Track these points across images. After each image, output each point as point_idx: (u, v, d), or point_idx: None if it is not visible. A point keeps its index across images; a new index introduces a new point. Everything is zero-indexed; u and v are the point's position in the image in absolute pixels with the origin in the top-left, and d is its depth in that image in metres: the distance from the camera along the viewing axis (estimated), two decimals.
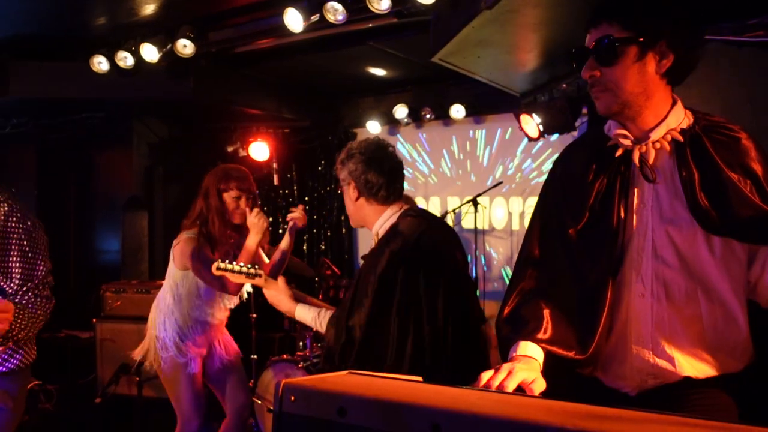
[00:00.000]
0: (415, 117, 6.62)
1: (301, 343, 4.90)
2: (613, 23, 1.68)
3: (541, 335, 1.70)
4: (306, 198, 7.58)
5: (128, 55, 5.17)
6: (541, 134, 4.89)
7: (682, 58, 1.69)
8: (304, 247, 7.50)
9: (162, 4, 4.57)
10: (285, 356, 4.59)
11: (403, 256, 2.39)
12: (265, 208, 3.75)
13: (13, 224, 2.40)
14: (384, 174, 2.55)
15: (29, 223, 2.45)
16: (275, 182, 6.92)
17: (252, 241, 3.48)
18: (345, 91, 7.09)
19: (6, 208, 2.41)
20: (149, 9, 4.67)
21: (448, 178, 6.96)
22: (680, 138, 1.70)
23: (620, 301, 1.74)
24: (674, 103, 1.75)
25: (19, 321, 2.32)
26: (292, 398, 1.22)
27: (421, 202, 6.88)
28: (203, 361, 3.66)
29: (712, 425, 1.08)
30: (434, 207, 6.97)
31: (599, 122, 1.90)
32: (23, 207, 2.48)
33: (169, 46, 4.96)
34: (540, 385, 1.54)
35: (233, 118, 6.92)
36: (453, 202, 6.81)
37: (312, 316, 2.72)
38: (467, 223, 6.22)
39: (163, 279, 3.74)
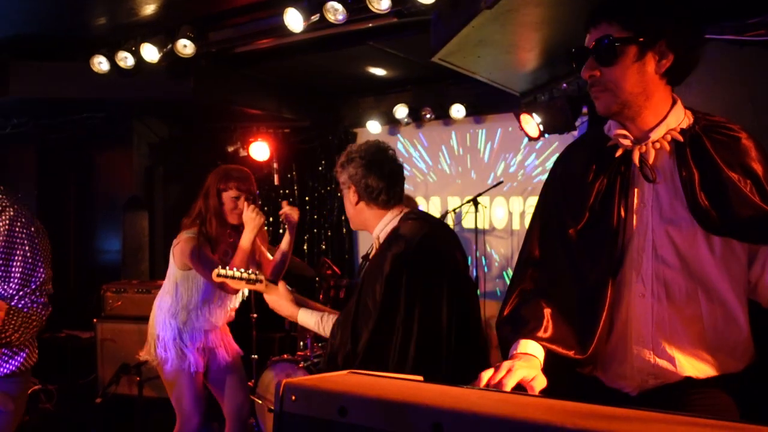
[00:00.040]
0: (416, 117, 6.62)
1: (301, 343, 4.90)
2: (612, 23, 1.68)
3: (541, 333, 1.70)
4: (306, 198, 7.58)
5: (128, 55, 5.17)
6: (542, 134, 4.89)
7: (682, 57, 1.69)
8: (305, 247, 7.50)
9: (162, 4, 4.57)
10: (286, 356, 4.60)
11: (405, 259, 2.38)
12: (266, 208, 3.75)
13: (18, 229, 2.41)
14: (384, 178, 2.54)
15: (33, 228, 2.45)
16: (276, 182, 6.92)
17: (246, 239, 3.48)
18: (345, 91, 7.09)
19: (12, 213, 2.42)
20: (149, 9, 4.67)
21: (448, 178, 6.96)
22: (680, 138, 1.70)
23: (620, 301, 1.74)
24: (674, 103, 1.75)
25: (12, 322, 2.32)
26: (293, 398, 1.22)
27: (421, 202, 6.88)
28: (203, 361, 3.66)
29: (713, 424, 1.08)
30: (434, 207, 6.97)
31: (599, 122, 1.90)
32: (28, 212, 2.49)
33: (169, 46, 4.97)
34: (540, 383, 1.54)
35: (233, 118, 6.92)
36: (453, 202, 6.81)
37: (315, 320, 2.72)
38: (468, 222, 6.22)
39: (164, 279, 3.74)
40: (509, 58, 4.05)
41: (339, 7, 4.14)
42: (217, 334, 3.72)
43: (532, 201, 6.24)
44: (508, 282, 5.69)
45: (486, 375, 1.54)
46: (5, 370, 2.45)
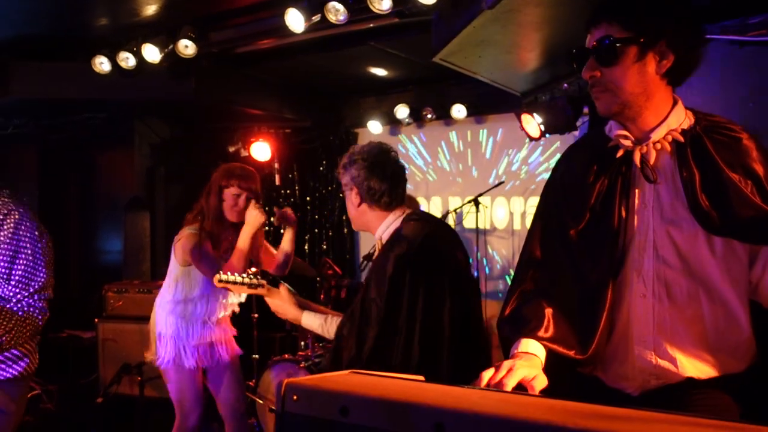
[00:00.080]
0: (417, 117, 6.61)
1: (302, 343, 4.90)
2: (613, 23, 1.68)
3: (542, 333, 1.70)
4: (307, 198, 7.58)
5: (130, 55, 5.18)
6: (543, 134, 4.89)
7: (683, 58, 1.69)
8: (306, 247, 7.50)
9: (163, 4, 4.57)
10: (286, 356, 4.60)
11: (408, 259, 2.39)
12: (267, 209, 3.75)
13: (22, 232, 2.42)
14: (387, 180, 2.55)
15: (37, 233, 2.46)
16: (277, 182, 6.93)
17: (243, 238, 3.47)
18: (346, 91, 7.09)
19: (17, 216, 2.43)
20: (151, 9, 4.67)
21: (449, 178, 6.96)
22: (681, 138, 1.70)
23: (621, 302, 1.74)
24: (675, 103, 1.75)
25: (3, 324, 2.32)
26: (295, 398, 1.22)
27: (422, 202, 6.88)
28: (204, 358, 3.66)
29: (715, 424, 1.08)
30: (435, 207, 6.97)
31: (600, 122, 1.90)
32: (33, 216, 2.49)
33: (170, 47, 4.97)
34: (541, 382, 1.54)
35: (235, 118, 6.92)
36: (454, 202, 6.81)
37: (319, 323, 2.73)
38: (468, 222, 6.22)
39: (165, 279, 3.74)
40: (510, 58, 4.05)
41: (340, 7, 4.14)
42: (218, 330, 3.71)
43: (533, 201, 6.24)
44: (509, 282, 5.69)
45: (487, 375, 1.54)
46: (8, 374, 2.47)
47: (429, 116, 6.53)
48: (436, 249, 2.47)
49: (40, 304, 2.45)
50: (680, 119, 1.73)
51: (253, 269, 3.97)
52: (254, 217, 3.49)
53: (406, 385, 1.31)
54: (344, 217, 7.36)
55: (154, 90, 5.69)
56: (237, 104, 6.30)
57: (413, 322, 2.35)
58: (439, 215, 6.47)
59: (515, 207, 6.54)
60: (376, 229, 2.61)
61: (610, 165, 1.77)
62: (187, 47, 4.89)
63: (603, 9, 1.72)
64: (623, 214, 1.73)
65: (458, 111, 6.35)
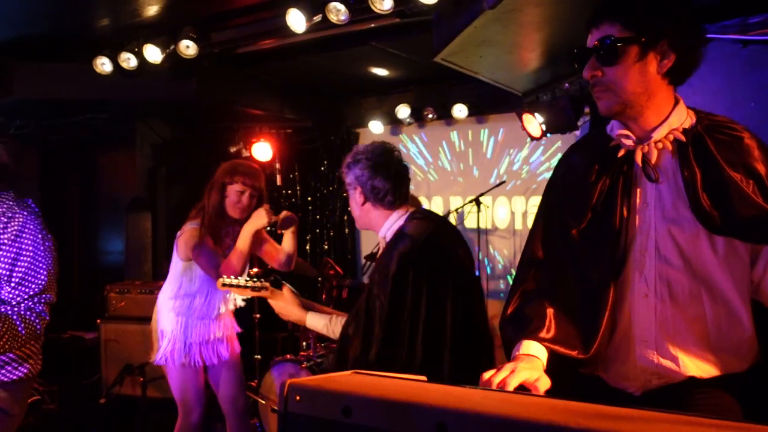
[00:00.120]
0: (418, 117, 6.62)
1: (304, 343, 4.90)
2: (614, 23, 1.68)
3: (544, 334, 1.70)
4: (309, 198, 7.58)
5: (131, 56, 5.18)
6: (544, 133, 4.89)
7: (684, 57, 1.69)
8: (307, 248, 7.51)
9: (165, 5, 4.58)
10: (288, 356, 4.60)
11: (412, 257, 2.40)
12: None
13: (24, 235, 2.42)
14: (390, 179, 2.56)
15: (40, 237, 2.46)
16: (278, 183, 6.93)
17: (244, 238, 3.45)
18: (347, 92, 7.09)
19: (21, 219, 2.43)
20: (152, 10, 4.67)
21: (451, 178, 6.96)
22: (682, 138, 1.70)
23: (623, 301, 1.74)
24: (676, 102, 1.75)
25: None
26: (297, 398, 1.22)
27: (423, 202, 6.87)
28: (205, 355, 3.65)
29: (717, 424, 1.08)
30: (437, 206, 6.97)
31: (601, 122, 1.90)
32: (38, 220, 2.49)
33: (171, 47, 4.97)
34: (544, 384, 1.54)
35: (236, 118, 6.92)
36: (455, 202, 6.81)
37: (324, 323, 2.74)
38: (470, 222, 6.22)
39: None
40: (511, 58, 4.05)
41: (341, 7, 4.14)
42: (220, 326, 3.71)
43: (535, 201, 6.24)
44: (510, 282, 5.69)
45: (488, 376, 1.54)
46: (14, 376, 2.47)
47: (430, 116, 6.53)
48: (439, 247, 2.48)
49: (40, 308, 2.44)
50: (682, 118, 1.73)
51: (255, 270, 3.98)
52: (260, 218, 3.47)
53: (408, 386, 1.31)
54: (346, 218, 7.37)
55: (155, 90, 5.69)
56: (238, 104, 6.30)
57: (416, 320, 2.36)
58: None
59: (516, 207, 6.54)
60: (379, 227, 2.63)
61: (611, 164, 1.77)
62: (188, 47, 4.90)
63: (604, 9, 1.72)
64: (625, 213, 1.73)
65: (459, 111, 6.35)
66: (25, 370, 2.51)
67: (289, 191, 7.62)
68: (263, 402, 4.54)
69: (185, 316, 3.59)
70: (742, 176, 1.63)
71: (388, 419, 1.12)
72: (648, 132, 1.74)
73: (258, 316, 4.91)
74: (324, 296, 5.20)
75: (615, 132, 1.80)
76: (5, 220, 2.41)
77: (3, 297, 2.38)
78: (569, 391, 1.65)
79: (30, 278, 2.41)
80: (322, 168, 7.50)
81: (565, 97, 4.50)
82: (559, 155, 1.99)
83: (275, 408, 4.31)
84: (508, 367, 1.56)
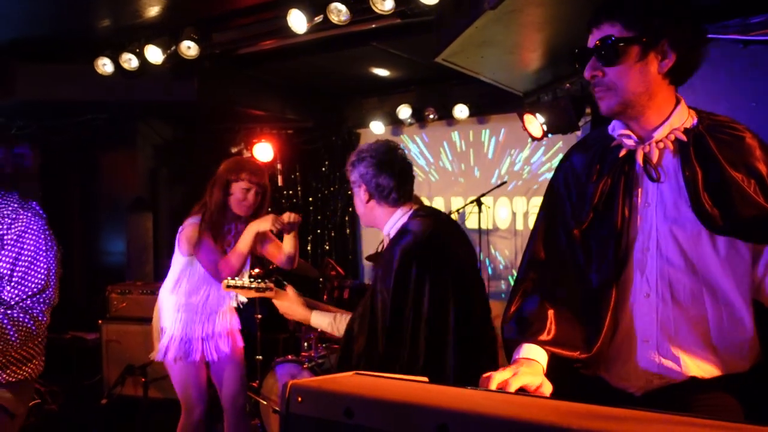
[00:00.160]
0: (419, 117, 6.62)
1: (305, 344, 4.91)
2: (615, 23, 1.68)
3: (544, 337, 1.70)
4: (310, 198, 7.59)
5: (132, 56, 5.19)
6: (545, 134, 4.89)
7: (685, 57, 1.69)
8: (308, 248, 7.51)
9: (166, 5, 4.58)
10: (290, 357, 4.60)
11: (414, 253, 2.42)
12: (269, 209, 3.74)
13: (26, 236, 2.42)
14: (395, 177, 2.58)
15: (42, 238, 2.46)
16: (279, 183, 6.94)
17: (246, 239, 3.44)
18: (348, 92, 7.10)
19: (25, 220, 2.43)
20: (153, 11, 4.68)
21: (452, 179, 6.96)
22: (684, 137, 1.70)
23: (625, 301, 1.74)
24: (677, 102, 1.75)
25: None
26: (299, 399, 1.22)
27: (424, 203, 6.87)
28: (207, 351, 3.65)
29: (718, 425, 1.08)
30: (438, 207, 6.95)
31: (602, 122, 1.90)
32: (41, 222, 2.49)
33: (173, 48, 4.98)
34: (546, 390, 1.55)
35: (237, 119, 6.93)
36: (457, 202, 6.81)
37: (328, 321, 2.77)
38: (471, 223, 6.22)
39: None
40: (512, 58, 4.06)
41: (342, 8, 4.14)
42: (222, 322, 3.70)
43: (536, 201, 6.25)
44: (511, 283, 5.69)
45: (489, 378, 1.54)
46: (17, 377, 2.47)
47: (431, 116, 6.54)
48: (441, 244, 2.50)
49: (38, 307, 2.43)
50: (683, 118, 1.73)
51: (256, 270, 3.98)
52: (265, 222, 3.45)
53: (409, 387, 1.31)
54: (347, 218, 7.37)
55: (156, 91, 5.70)
56: (239, 105, 6.31)
57: (419, 316, 2.38)
58: None
59: (518, 207, 6.54)
60: (383, 225, 2.65)
61: (613, 164, 1.77)
62: (189, 48, 4.91)
63: (605, 9, 1.72)
64: (626, 213, 1.73)
65: (460, 111, 6.35)
66: (30, 370, 2.52)
67: (290, 192, 7.62)
68: (265, 403, 4.54)
69: (186, 312, 3.58)
70: (743, 176, 1.63)
71: (390, 420, 1.12)
72: (649, 132, 1.74)
73: (260, 316, 4.90)
74: (325, 297, 5.20)
75: (616, 132, 1.80)
76: (9, 221, 2.42)
77: (3, 296, 2.38)
78: (570, 392, 1.65)
79: (29, 277, 2.41)
80: (323, 168, 7.50)
81: (566, 98, 4.50)
82: (561, 156, 1.99)
83: (277, 409, 4.31)
84: (509, 370, 1.56)
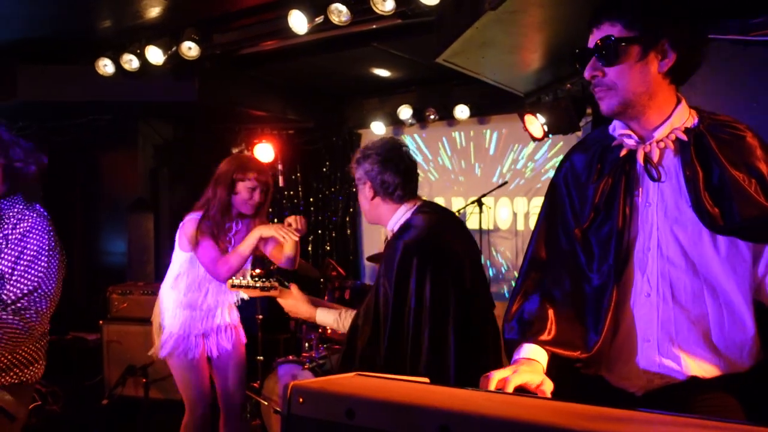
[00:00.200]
0: (420, 118, 6.63)
1: (306, 344, 4.91)
2: (615, 23, 1.68)
3: (544, 337, 1.70)
4: (311, 199, 7.59)
5: (133, 57, 5.20)
6: (546, 134, 4.89)
7: (685, 57, 1.69)
8: (309, 248, 7.51)
9: (167, 6, 4.59)
10: (291, 357, 4.61)
11: (416, 246, 2.44)
12: (270, 210, 3.74)
13: (29, 237, 2.42)
14: (400, 174, 2.60)
15: (45, 240, 2.46)
16: (280, 184, 6.94)
17: (249, 242, 3.42)
18: (349, 92, 7.10)
19: (30, 221, 2.44)
20: (154, 12, 4.68)
21: (452, 179, 6.97)
22: (684, 137, 1.70)
23: (626, 301, 1.74)
24: (678, 102, 1.75)
25: None
26: (301, 400, 1.22)
27: None
28: (208, 347, 3.64)
29: (719, 426, 1.08)
30: None
31: (603, 122, 1.90)
32: (46, 223, 2.49)
33: (173, 49, 4.98)
34: (548, 388, 1.55)
35: (238, 119, 6.94)
36: (457, 203, 6.81)
37: (333, 318, 2.79)
38: (472, 223, 6.22)
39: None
40: (513, 59, 4.06)
41: (343, 8, 4.15)
42: (223, 318, 3.70)
43: (537, 201, 6.25)
44: (512, 283, 5.69)
45: (489, 377, 1.54)
46: (17, 379, 2.48)
47: (432, 117, 6.54)
48: (443, 240, 2.51)
49: (35, 306, 2.41)
50: (684, 118, 1.73)
51: (258, 271, 3.98)
52: (268, 230, 3.43)
53: (411, 388, 1.32)
54: (347, 218, 7.38)
55: (157, 92, 5.71)
56: (240, 105, 6.31)
57: (421, 307, 2.39)
58: None
59: (518, 207, 6.54)
60: (388, 221, 2.67)
61: (613, 164, 1.77)
62: (190, 49, 4.91)
63: (605, 9, 1.72)
64: (627, 212, 1.73)
65: (461, 111, 6.36)
66: (29, 374, 2.52)
67: (291, 192, 7.63)
68: (266, 403, 4.54)
69: (186, 308, 3.57)
70: (744, 175, 1.63)
71: (391, 421, 1.12)
72: (650, 131, 1.74)
73: (261, 317, 4.91)
74: (326, 297, 5.20)
75: (617, 132, 1.80)
76: (14, 221, 2.43)
77: (2, 296, 2.38)
78: (571, 391, 1.66)
79: (27, 275, 2.41)
80: (324, 169, 7.51)
81: (567, 98, 4.50)
82: (561, 156, 1.99)
83: (278, 409, 4.31)
84: (509, 369, 1.56)
